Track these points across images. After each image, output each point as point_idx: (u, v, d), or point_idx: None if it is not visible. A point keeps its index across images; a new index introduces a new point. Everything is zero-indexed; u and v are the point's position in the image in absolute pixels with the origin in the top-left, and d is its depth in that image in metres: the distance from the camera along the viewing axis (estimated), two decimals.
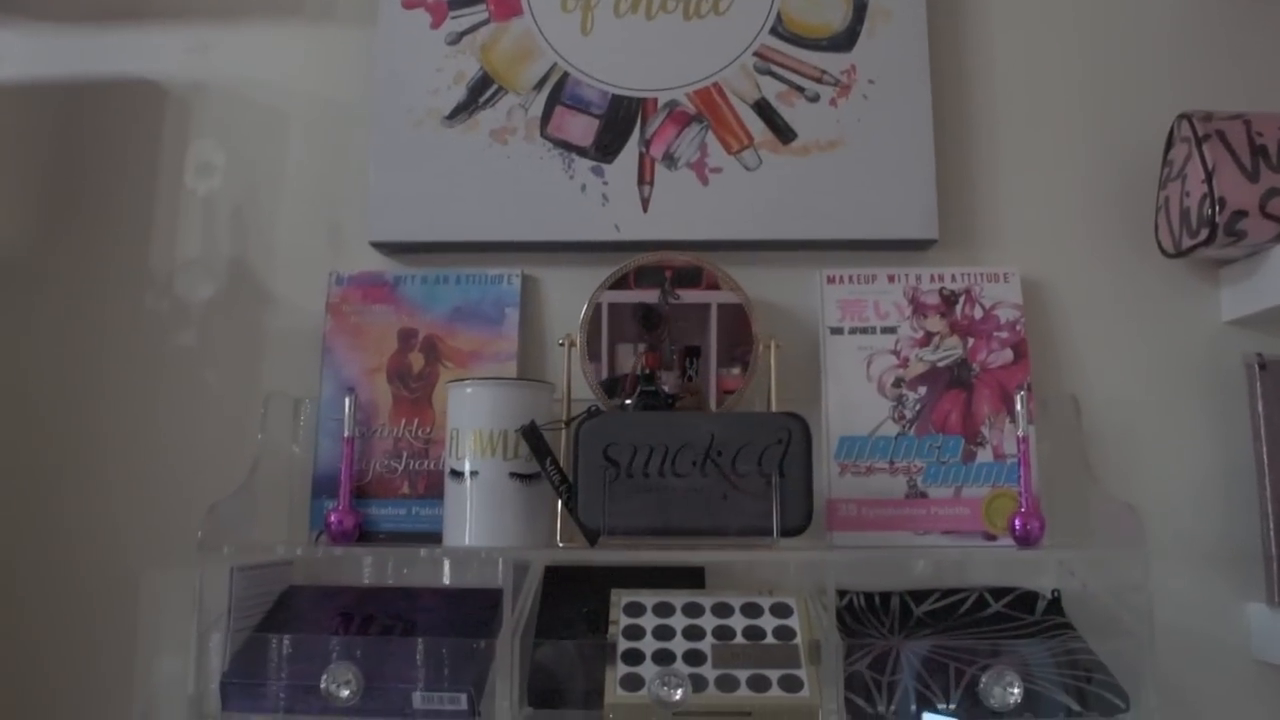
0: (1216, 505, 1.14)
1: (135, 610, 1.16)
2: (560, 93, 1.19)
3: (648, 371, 1.11)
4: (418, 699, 0.96)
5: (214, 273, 1.22)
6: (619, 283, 1.13)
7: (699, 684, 0.95)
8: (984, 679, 0.94)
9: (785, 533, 0.95)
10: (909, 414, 1.11)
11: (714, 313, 1.12)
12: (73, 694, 1.15)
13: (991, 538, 1.08)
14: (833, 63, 1.18)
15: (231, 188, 1.24)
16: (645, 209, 1.16)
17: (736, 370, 1.11)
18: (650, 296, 1.13)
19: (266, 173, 1.24)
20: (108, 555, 1.17)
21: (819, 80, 1.18)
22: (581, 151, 1.18)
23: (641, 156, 1.17)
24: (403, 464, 1.12)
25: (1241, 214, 1.05)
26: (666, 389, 1.10)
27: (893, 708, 0.95)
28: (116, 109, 1.26)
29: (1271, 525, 1.09)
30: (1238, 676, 1.11)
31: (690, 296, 1.13)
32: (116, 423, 1.20)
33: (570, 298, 1.17)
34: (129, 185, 1.24)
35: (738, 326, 1.12)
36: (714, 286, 1.13)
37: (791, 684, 0.95)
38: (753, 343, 1.11)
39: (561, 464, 1.02)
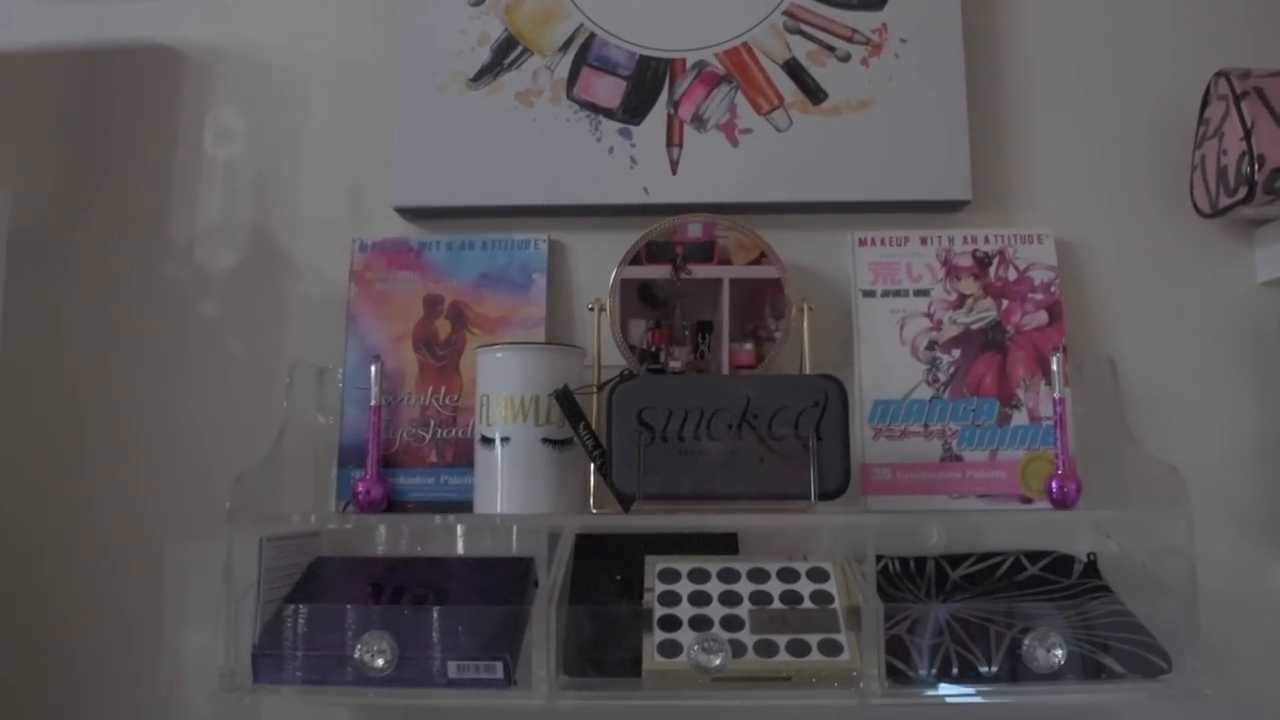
0: (1251, 466, 1.13)
1: (161, 581, 1.15)
2: (587, 54, 1.17)
3: (653, 348, 1.09)
4: (452, 668, 0.95)
5: (235, 240, 1.20)
6: (634, 260, 1.12)
7: (738, 649, 0.94)
8: (1027, 641, 0.93)
9: (823, 496, 0.94)
10: (943, 377, 1.10)
11: (726, 288, 1.11)
12: (99, 666, 1.14)
13: (1027, 501, 1.07)
14: (863, 21, 1.16)
15: (252, 154, 1.22)
16: (674, 171, 1.15)
17: (749, 346, 1.10)
18: (662, 272, 1.11)
19: (287, 138, 1.22)
20: (132, 526, 1.16)
21: (850, 39, 1.16)
22: (609, 113, 1.16)
23: (670, 118, 1.15)
24: (430, 432, 1.11)
25: None
26: (677, 365, 1.09)
27: (934, 671, 0.94)
28: (134, 75, 1.23)
29: None
30: (1272, 638, 1.10)
31: (702, 272, 1.11)
32: (139, 393, 1.18)
33: (598, 262, 1.15)
34: (148, 152, 1.22)
35: (750, 302, 1.11)
36: (726, 261, 1.11)
37: (831, 648, 0.94)
38: (763, 318, 1.10)
39: (594, 429, 1.00)
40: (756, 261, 1.11)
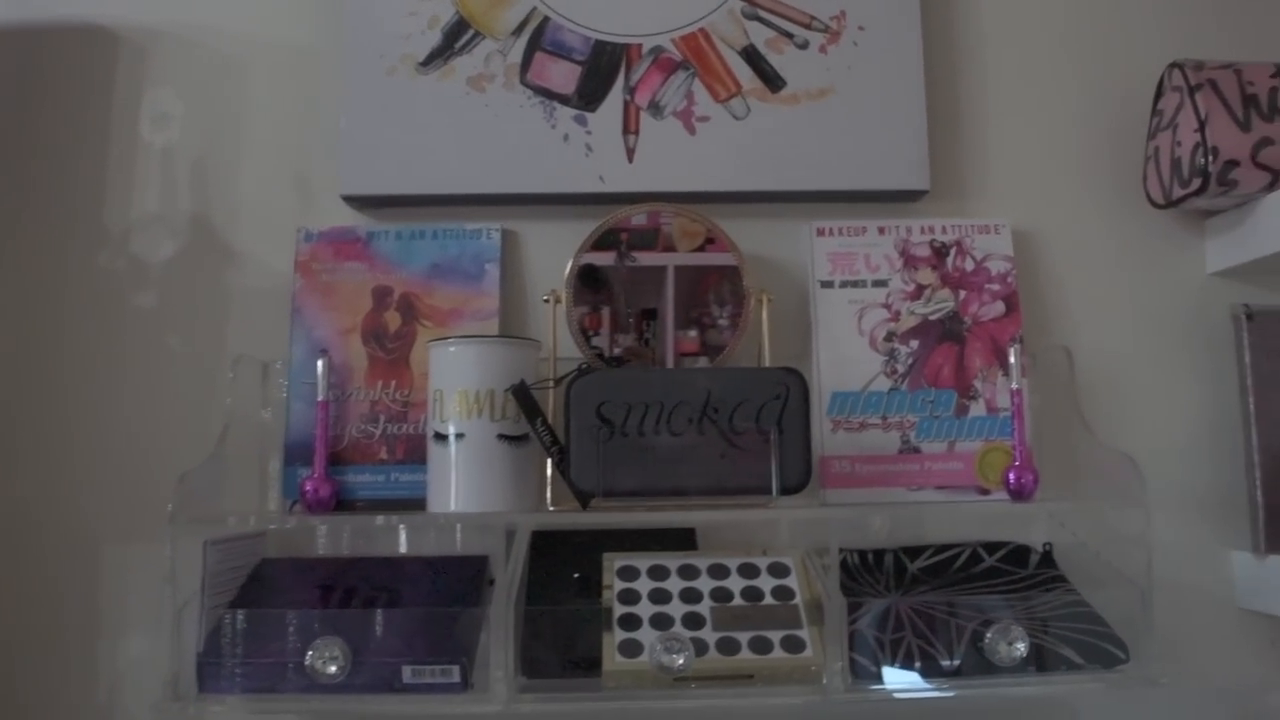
0: (1203, 455, 1.14)
1: (99, 587, 1.10)
2: (540, 38, 1.14)
3: (589, 332, 1.08)
4: (407, 673, 0.92)
5: (174, 230, 1.15)
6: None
7: (700, 648, 0.92)
8: (989, 635, 0.93)
9: (785, 490, 0.93)
10: (901, 368, 1.09)
11: (670, 275, 1.09)
12: (34, 675, 1.09)
13: (985, 492, 1.07)
14: (822, 7, 1.15)
15: (191, 139, 1.17)
16: (630, 159, 1.12)
17: (693, 333, 1.08)
18: (607, 259, 1.09)
19: (228, 123, 1.17)
20: (68, 529, 1.11)
21: (808, 26, 1.14)
22: (563, 99, 1.13)
23: (626, 105, 1.13)
24: (380, 428, 1.08)
25: (1234, 164, 1.04)
26: (618, 351, 1.07)
27: (896, 665, 0.94)
28: (65, 56, 1.18)
29: (1258, 474, 1.10)
30: (1223, 625, 1.12)
31: (646, 259, 1.10)
32: (73, 389, 1.13)
33: (553, 252, 1.13)
34: (80, 138, 1.17)
35: (695, 289, 1.09)
36: (670, 248, 1.10)
37: (794, 645, 0.94)
38: (708, 305, 1.09)
39: (551, 424, 0.98)
40: (701, 248, 1.10)
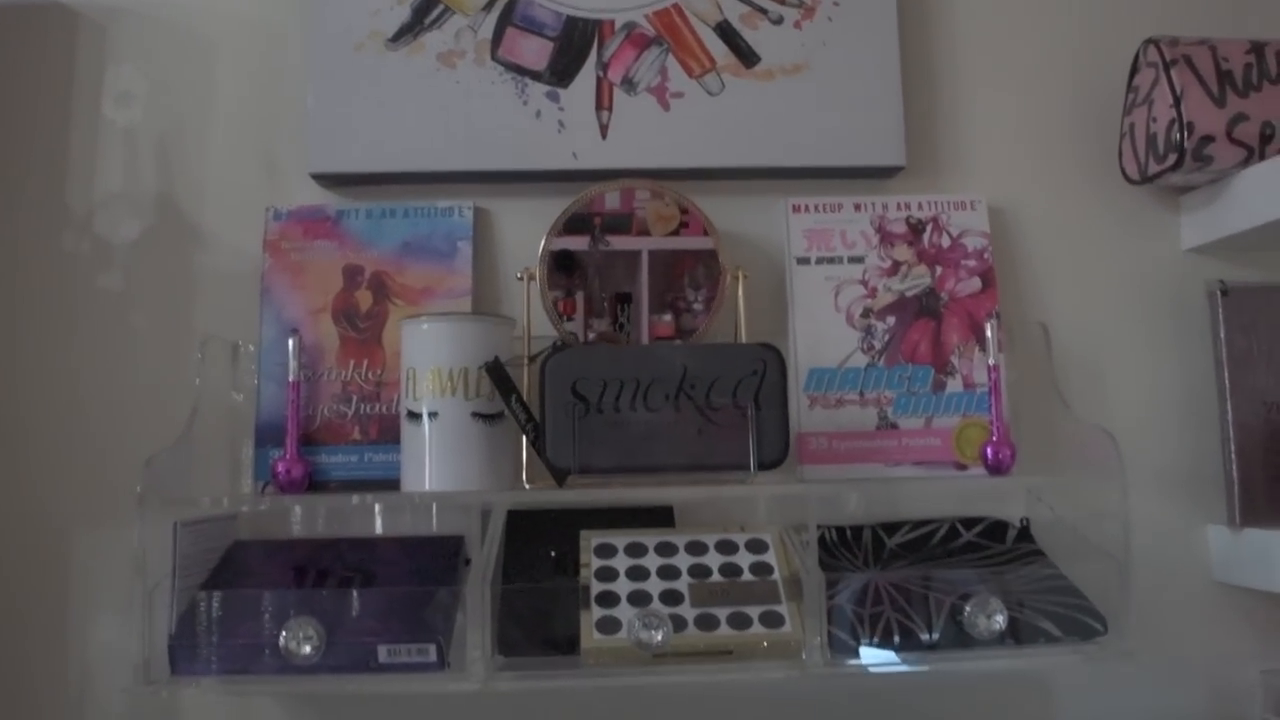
0: (1179, 429, 1.14)
1: (66, 573, 1.08)
2: (511, 13, 1.12)
3: (562, 317, 1.07)
4: (383, 653, 0.91)
5: (139, 210, 1.13)
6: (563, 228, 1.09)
7: (678, 624, 0.92)
8: (968, 609, 0.93)
9: (763, 466, 0.92)
10: (878, 344, 1.09)
11: (645, 259, 1.08)
12: (2, 662, 1.07)
13: (962, 467, 1.07)
14: None
15: (155, 117, 1.15)
16: (604, 136, 1.11)
17: (668, 317, 1.08)
18: (581, 243, 1.08)
19: (193, 101, 1.15)
20: (34, 515, 1.09)
21: (782, 2, 1.13)
22: (535, 75, 1.11)
23: (599, 81, 1.12)
24: (353, 408, 1.06)
25: (1209, 139, 1.04)
26: (592, 336, 1.07)
27: (875, 640, 0.94)
28: (23, 33, 1.15)
29: (1232, 449, 1.10)
30: (1198, 598, 1.12)
31: (620, 243, 1.09)
32: (39, 373, 1.11)
33: (526, 230, 1.11)
34: (40, 116, 1.14)
35: (669, 273, 1.08)
36: (645, 233, 1.09)
37: (773, 620, 0.93)
38: (683, 289, 1.08)
39: (526, 402, 0.97)
40: (675, 232, 1.09)
